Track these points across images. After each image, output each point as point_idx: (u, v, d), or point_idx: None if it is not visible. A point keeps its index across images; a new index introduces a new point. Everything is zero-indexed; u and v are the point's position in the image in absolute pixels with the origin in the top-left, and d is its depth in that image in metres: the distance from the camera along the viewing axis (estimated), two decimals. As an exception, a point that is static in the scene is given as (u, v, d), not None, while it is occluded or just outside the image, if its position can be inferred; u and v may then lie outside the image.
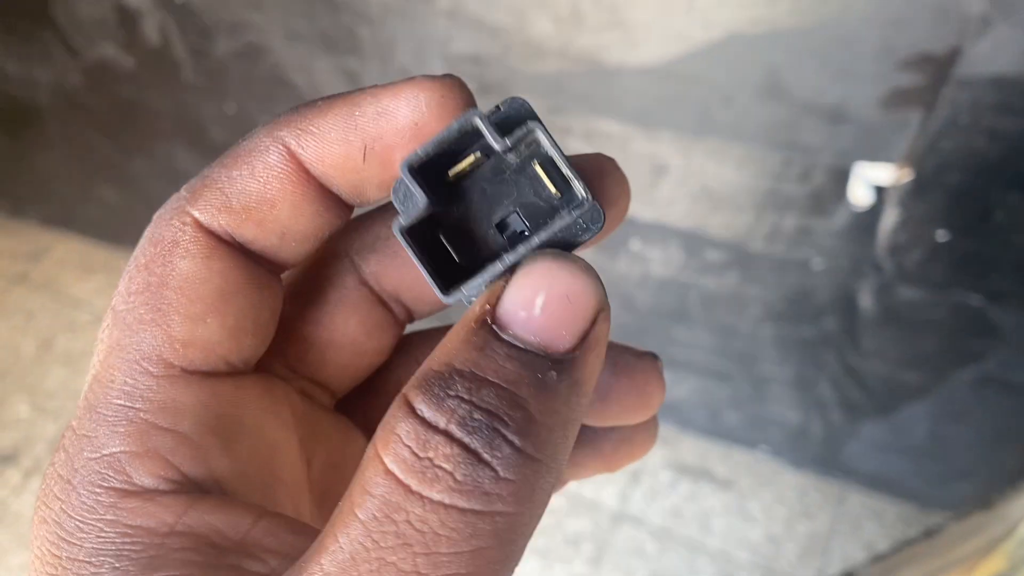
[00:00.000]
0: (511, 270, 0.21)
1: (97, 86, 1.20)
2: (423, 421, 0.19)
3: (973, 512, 0.68)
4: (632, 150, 0.88)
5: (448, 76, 0.23)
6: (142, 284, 0.22)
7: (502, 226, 0.22)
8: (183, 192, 0.23)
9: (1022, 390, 0.95)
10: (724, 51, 0.76)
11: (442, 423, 0.19)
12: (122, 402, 0.22)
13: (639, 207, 0.94)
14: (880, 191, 0.82)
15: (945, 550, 0.66)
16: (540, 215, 0.22)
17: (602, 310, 0.21)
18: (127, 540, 0.21)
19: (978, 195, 0.79)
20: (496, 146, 0.21)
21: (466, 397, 0.19)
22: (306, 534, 0.21)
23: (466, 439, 0.19)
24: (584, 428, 0.28)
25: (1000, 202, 0.79)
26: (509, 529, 0.19)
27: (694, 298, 1.03)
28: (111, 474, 0.21)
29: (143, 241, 0.23)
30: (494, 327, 0.20)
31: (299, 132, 0.23)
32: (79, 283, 1.60)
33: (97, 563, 0.21)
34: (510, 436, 0.19)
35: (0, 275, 1.62)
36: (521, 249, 0.21)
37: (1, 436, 1.41)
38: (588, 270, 0.21)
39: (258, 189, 0.23)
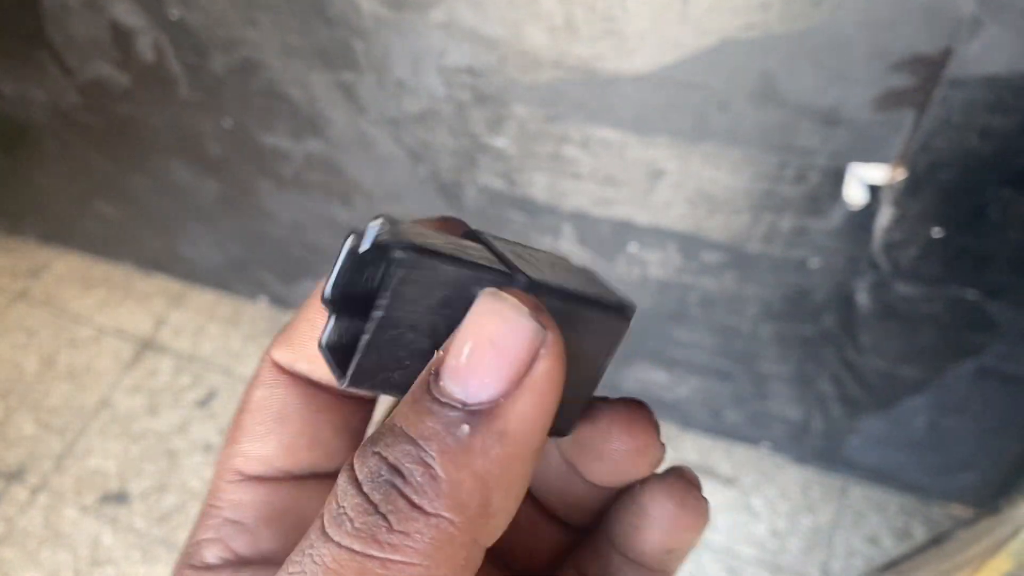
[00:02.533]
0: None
1: (93, 104, 1.21)
2: (349, 475, 0.20)
3: (981, 517, 0.69)
4: (629, 156, 0.89)
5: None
6: (237, 410, 0.28)
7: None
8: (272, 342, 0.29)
9: (1020, 381, 0.96)
10: (718, 57, 0.77)
11: (360, 475, 0.20)
12: (212, 502, 0.28)
13: (637, 211, 0.95)
14: (875, 190, 0.83)
15: (952, 553, 0.67)
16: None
17: (542, 346, 0.20)
18: None
19: (972, 192, 0.80)
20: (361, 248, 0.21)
21: (383, 453, 0.20)
22: None
23: (368, 492, 0.20)
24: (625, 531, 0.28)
25: (993, 198, 0.80)
26: None
27: (693, 299, 1.04)
28: (192, 554, 0.27)
29: None
30: (431, 380, 0.20)
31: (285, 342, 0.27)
32: (79, 299, 1.60)
33: None
34: (407, 492, 0.20)
35: (0, 293, 1.62)
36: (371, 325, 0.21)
37: (7, 454, 1.42)
38: (517, 308, 0.20)
39: (308, 330, 0.26)
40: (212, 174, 1.23)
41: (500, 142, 0.94)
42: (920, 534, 1.19)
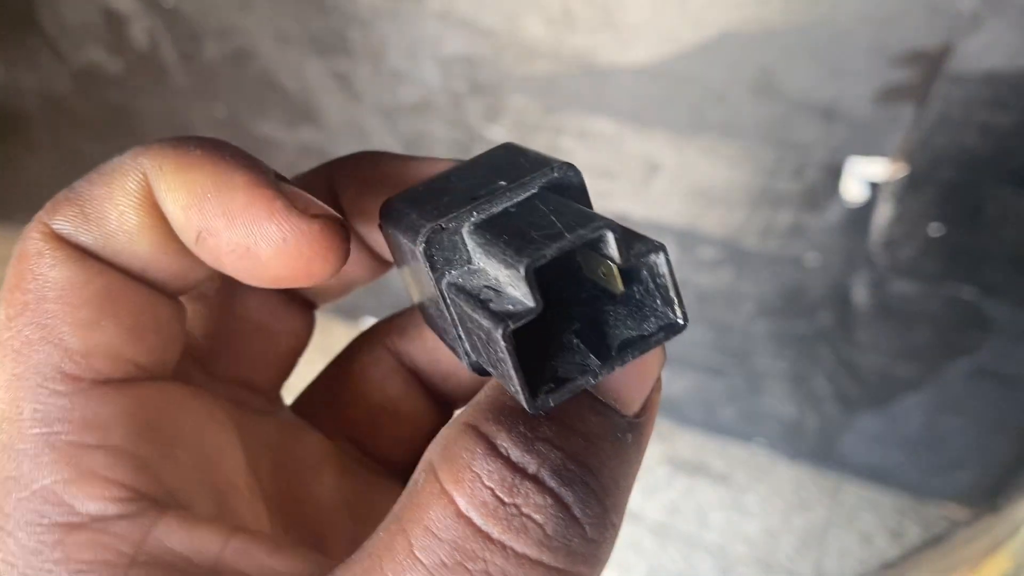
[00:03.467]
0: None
1: (85, 91, 1.20)
2: (509, 462, 0.17)
3: (980, 516, 0.69)
4: (625, 149, 0.88)
5: (323, 219, 0.20)
6: (19, 305, 0.20)
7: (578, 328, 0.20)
8: (43, 209, 0.21)
9: (1015, 381, 0.95)
10: (716, 50, 0.76)
11: (532, 467, 0.17)
12: (38, 430, 0.19)
13: (633, 205, 0.95)
14: (873, 187, 0.83)
15: (951, 552, 0.66)
16: (588, 299, 0.21)
17: (658, 379, 0.20)
18: None
19: (970, 190, 0.80)
20: (618, 260, 0.18)
21: (556, 443, 0.18)
22: (283, 555, 0.19)
23: (560, 490, 0.17)
24: None
25: (992, 196, 0.79)
26: None
27: (689, 295, 1.04)
28: (49, 508, 0.19)
29: (9, 266, 0.20)
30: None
31: (159, 165, 0.20)
32: (70, 288, 1.59)
33: None
34: (600, 494, 0.18)
35: (-10, 281, 1.61)
36: (613, 365, 0.19)
37: None
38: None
39: (116, 215, 0.20)
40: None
41: (496, 133, 0.93)
42: (914, 533, 1.19)
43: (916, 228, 0.85)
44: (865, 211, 0.85)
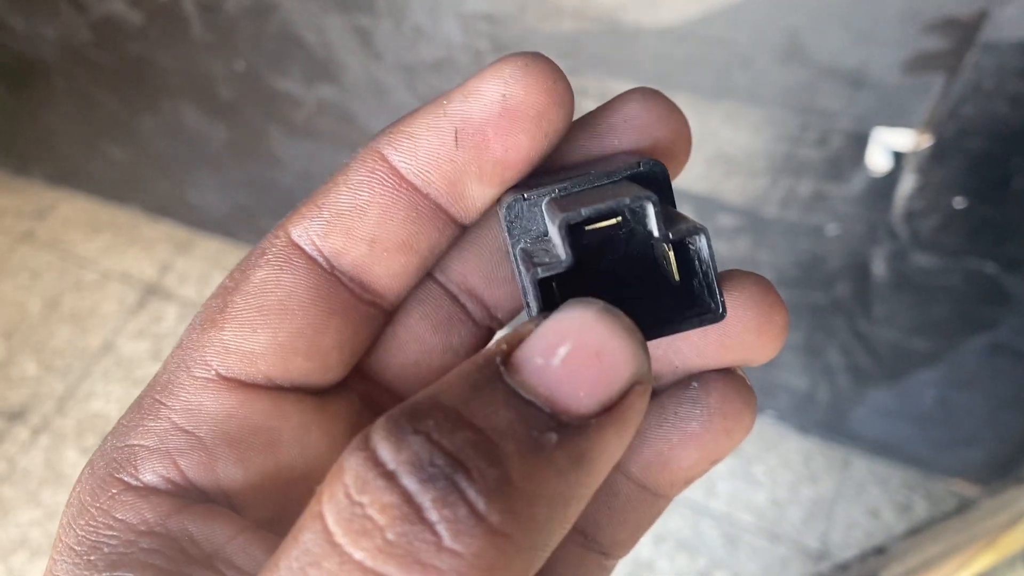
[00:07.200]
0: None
1: (104, 42, 1.19)
2: (371, 457, 0.15)
3: (995, 490, 0.68)
4: (648, 113, 0.87)
5: (532, 53, 0.21)
6: (221, 288, 0.22)
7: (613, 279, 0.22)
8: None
9: (1032, 358, 0.95)
10: (745, 13, 0.75)
11: (392, 463, 0.15)
12: (158, 396, 0.22)
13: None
14: (898, 157, 0.82)
15: (972, 524, 0.66)
16: (646, 282, 0.22)
17: (640, 383, 0.17)
18: (106, 533, 0.20)
19: (998, 162, 0.78)
20: (656, 234, 0.20)
21: (435, 437, 0.15)
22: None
23: (412, 487, 0.15)
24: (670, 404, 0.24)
25: (1020, 169, 0.78)
26: None
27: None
28: (123, 465, 0.21)
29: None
30: (501, 367, 0.17)
31: (392, 136, 0.22)
32: (85, 242, 1.59)
33: (79, 551, 0.20)
34: (471, 495, 0.15)
35: (5, 233, 1.61)
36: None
37: (9, 394, 1.42)
38: (633, 332, 0.18)
39: (348, 197, 0.22)
40: (222, 118, 1.22)
41: (517, 94, 0.92)
42: (921, 508, 1.19)
43: (940, 200, 0.84)
44: (888, 182, 0.84)
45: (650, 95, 0.23)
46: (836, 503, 1.21)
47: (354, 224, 0.21)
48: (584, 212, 0.20)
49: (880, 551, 0.73)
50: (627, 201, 0.20)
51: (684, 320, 0.21)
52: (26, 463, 1.34)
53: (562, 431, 0.16)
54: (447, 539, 0.15)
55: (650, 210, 0.20)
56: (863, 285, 0.96)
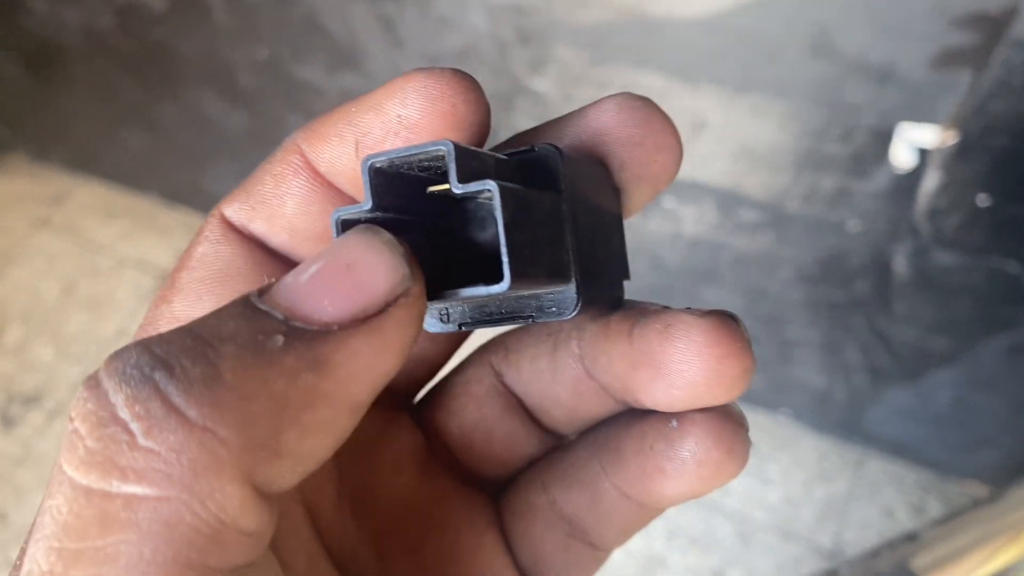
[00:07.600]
0: None
1: (127, 28, 1.19)
2: (91, 377, 0.15)
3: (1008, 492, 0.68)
4: (672, 105, 0.87)
5: (440, 70, 0.21)
6: (173, 268, 0.23)
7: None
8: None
9: (1053, 359, 0.94)
10: (775, 6, 0.75)
11: (103, 375, 0.15)
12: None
13: (674, 164, 0.93)
14: (923, 153, 0.81)
15: (1001, 515, 0.66)
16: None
17: (403, 295, 0.17)
18: None
19: (1023, 160, 0.78)
20: (453, 188, 0.19)
21: (150, 345, 0.15)
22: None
23: (108, 389, 0.15)
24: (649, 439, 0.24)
25: (1046, 168, 0.78)
26: (159, 523, 0.14)
27: (725, 258, 1.03)
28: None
29: None
30: (251, 295, 0.17)
31: (307, 134, 0.23)
32: (102, 228, 1.60)
33: None
34: (167, 388, 0.15)
35: (22, 219, 1.62)
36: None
37: (25, 379, 1.42)
38: (392, 246, 0.18)
39: (270, 187, 0.23)
40: (242, 106, 1.22)
41: (541, 85, 0.92)
42: (935, 510, 1.18)
43: (964, 198, 0.83)
44: (912, 178, 0.84)
45: (627, 107, 0.23)
46: (849, 502, 1.21)
47: (274, 212, 0.23)
48: (385, 157, 0.19)
49: (911, 538, 0.73)
50: (428, 148, 0.19)
51: (475, 285, 0.19)
52: (42, 447, 1.34)
53: (293, 333, 0.16)
54: (140, 436, 0.14)
55: (448, 158, 0.19)
56: (884, 282, 0.95)
